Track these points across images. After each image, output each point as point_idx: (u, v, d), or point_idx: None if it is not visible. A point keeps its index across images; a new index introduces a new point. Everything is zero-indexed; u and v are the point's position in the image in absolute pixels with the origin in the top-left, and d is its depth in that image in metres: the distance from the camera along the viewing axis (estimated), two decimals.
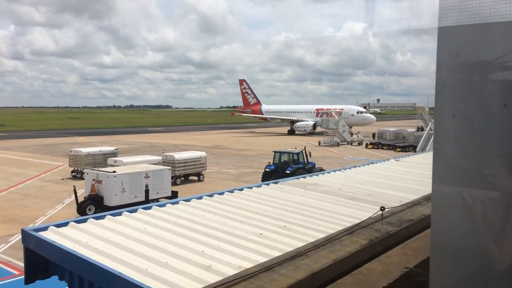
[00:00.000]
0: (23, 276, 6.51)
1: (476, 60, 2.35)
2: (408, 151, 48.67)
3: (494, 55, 2.34)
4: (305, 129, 75.04)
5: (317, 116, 73.78)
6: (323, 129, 66.31)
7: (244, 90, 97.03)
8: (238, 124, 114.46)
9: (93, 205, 21.49)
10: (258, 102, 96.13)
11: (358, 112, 74.72)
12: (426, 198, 8.57)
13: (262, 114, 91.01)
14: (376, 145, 56.72)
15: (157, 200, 21.60)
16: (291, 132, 78.74)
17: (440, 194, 2.61)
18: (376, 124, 76.96)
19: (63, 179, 32.45)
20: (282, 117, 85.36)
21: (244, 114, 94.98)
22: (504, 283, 2.49)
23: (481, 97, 2.42)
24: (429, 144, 46.82)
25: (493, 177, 2.45)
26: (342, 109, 74.02)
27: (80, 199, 21.97)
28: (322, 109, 74.23)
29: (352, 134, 64.68)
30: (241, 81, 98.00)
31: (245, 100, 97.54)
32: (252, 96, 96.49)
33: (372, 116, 76.77)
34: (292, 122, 79.94)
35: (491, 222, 2.48)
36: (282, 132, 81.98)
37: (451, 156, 2.54)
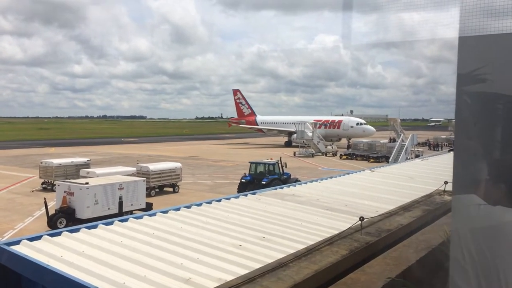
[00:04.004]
0: None
1: (497, 69, 2.38)
2: (381, 161, 49.49)
3: None
4: (303, 141, 74.00)
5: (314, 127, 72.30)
6: (319, 140, 64.99)
7: (238, 101, 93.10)
8: (215, 135, 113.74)
9: (65, 218, 20.90)
10: (253, 113, 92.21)
11: (357, 124, 72.48)
12: (403, 208, 8.69)
13: (257, 125, 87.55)
14: (350, 156, 57.50)
15: (131, 212, 21.18)
16: (288, 144, 75.80)
17: (460, 203, 2.60)
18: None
19: (33, 191, 31.50)
20: (279, 128, 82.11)
21: (240, 126, 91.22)
22: None
23: (502, 106, 2.45)
24: (401, 155, 47.89)
25: None
26: (341, 121, 73.51)
27: (51, 212, 21.34)
28: (320, 120, 72.99)
29: (349, 145, 64.71)
30: (235, 91, 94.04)
31: (239, 110, 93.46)
32: (247, 106, 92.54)
33: (372, 128, 73.80)
34: (290, 133, 76.40)
35: None
36: (278, 144, 80.00)
37: (472, 165, 2.54)
